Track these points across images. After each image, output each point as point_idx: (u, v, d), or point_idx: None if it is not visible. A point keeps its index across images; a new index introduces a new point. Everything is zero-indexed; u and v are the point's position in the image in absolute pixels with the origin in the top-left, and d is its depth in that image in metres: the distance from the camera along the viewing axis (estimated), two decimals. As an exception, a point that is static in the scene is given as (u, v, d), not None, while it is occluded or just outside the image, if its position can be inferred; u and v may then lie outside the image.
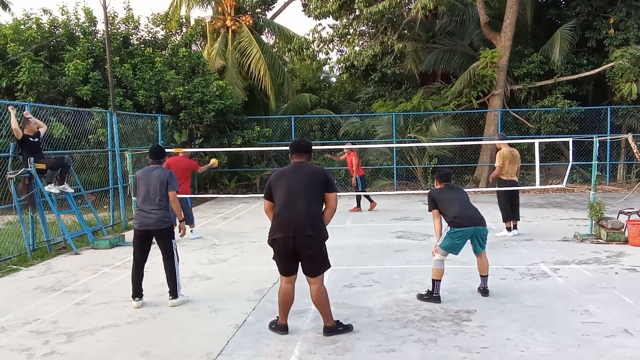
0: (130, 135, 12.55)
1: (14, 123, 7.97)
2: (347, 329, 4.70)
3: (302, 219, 4.44)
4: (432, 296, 5.53)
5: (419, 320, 5.01)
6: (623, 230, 8.20)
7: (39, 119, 8.93)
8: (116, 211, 11.29)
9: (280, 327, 4.73)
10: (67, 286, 6.54)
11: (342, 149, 13.51)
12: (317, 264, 4.57)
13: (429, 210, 5.88)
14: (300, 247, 4.47)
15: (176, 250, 5.78)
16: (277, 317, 4.79)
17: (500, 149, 9.07)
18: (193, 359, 4.27)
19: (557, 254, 7.54)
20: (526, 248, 8.00)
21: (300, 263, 4.60)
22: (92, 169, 11.91)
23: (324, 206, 4.65)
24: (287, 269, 4.64)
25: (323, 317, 4.66)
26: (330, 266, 4.69)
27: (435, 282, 5.54)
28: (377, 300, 5.62)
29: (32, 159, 8.17)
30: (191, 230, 9.40)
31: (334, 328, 4.64)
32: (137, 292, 5.69)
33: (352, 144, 13.85)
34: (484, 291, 5.70)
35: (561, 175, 13.48)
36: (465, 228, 5.51)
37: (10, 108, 8.11)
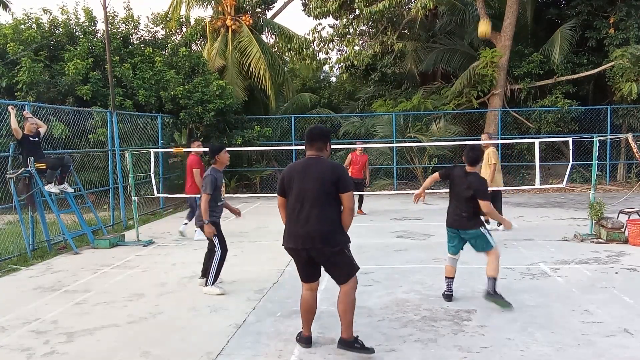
0: (130, 135, 12.54)
1: (13, 123, 7.97)
2: (366, 351, 4.19)
3: (311, 230, 4.07)
4: (443, 294, 5.60)
5: (419, 320, 5.01)
6: (623, 229, 8.20)
7: (39, 118, 8.93)
8: (116, 211, 11.29)
9: (303, 339, 4.44)
10: (67, 286, 6.54)
11: (351, 148, 13.22)
12: (340, 270, 4.18)
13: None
14: (315, 257, 4.17)
15: (218, 245, 6.02)
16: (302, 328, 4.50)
17: (487, 148, 9.27)
18: (193, 359, 4.28)
19: (557, 254, 7.54)
20: (526, 248, 8.00)
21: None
22: (92, 169, 11.90)
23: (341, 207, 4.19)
24: (306, 276, 4.32)
25: (342, 325, 4.22)
26: (358, 268, 4.25)
27: (445, 280, 5.59)
28: (377, 300, 5.62)
29: (32, 158, 8.17)
30: (195, 230, 9.39)
31: (351, 343, 4.21)
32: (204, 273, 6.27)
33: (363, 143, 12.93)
34: (486, 293, 5.41)
35: (561, 174, 13.47)
36: (449, 228, 5.56)
37: (10, 108, 8.12)
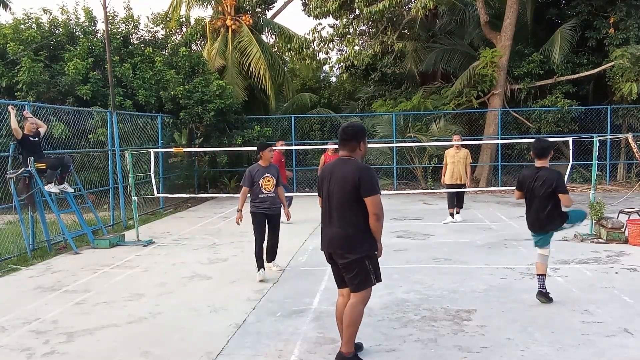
0: (130, 135, 12.54)
1: (13, 123, 7.97)
2: None
3: (333, 234, 4.01)
4: (539, 292, 5.42)
5: (419, 319, 5.01)
6: (623, 229, 8.20)
7: (39, 118, 8.93)
8: (116, 211, 11.29)
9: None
10: (67, 286, 6.54)
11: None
12: (354, 277, 3.97)
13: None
14: (336, 260, 4.07)
15: (254, 232, 6.77)
16: None
17: (461, 149, 10.33)
18: (193, 359, 4.28)
19: (557, 254, 7.52)
20: (526, 248, 7.98)
21: None
22: (92, 169, 11.91)
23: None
24: (337, 280, 4.23)
25: (343, 339, 4.04)
26: (374, 282, 4.04)
27: (537, 277, 5.48)
28: (377, 300, 5.61)
29: (32, 158, 8.17)
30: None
31: (349, 359, 4.03)
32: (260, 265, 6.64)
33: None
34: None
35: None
36: (530, 229, 5.56)
37: (10, 108, 8.11)
